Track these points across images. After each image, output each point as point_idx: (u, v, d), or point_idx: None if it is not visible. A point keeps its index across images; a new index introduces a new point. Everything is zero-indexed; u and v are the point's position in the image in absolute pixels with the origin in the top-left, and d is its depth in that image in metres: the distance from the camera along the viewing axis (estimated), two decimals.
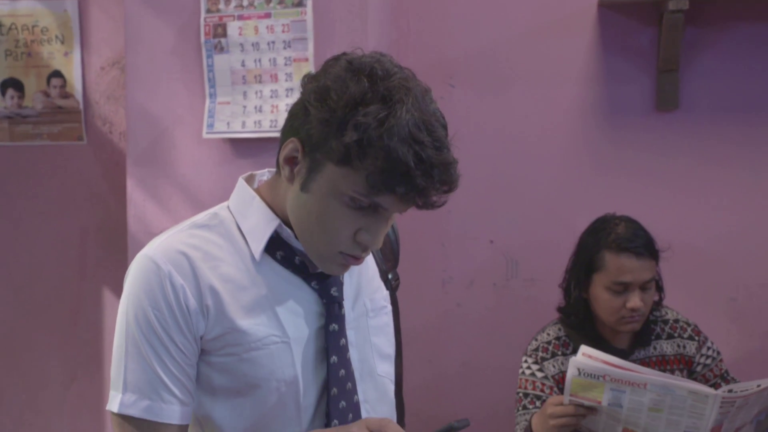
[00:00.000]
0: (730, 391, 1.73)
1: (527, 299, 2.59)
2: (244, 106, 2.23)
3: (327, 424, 1.28)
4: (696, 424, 1.75)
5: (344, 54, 1.20)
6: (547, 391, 2.07)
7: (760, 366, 2.47)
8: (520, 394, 2.11)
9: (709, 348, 2.14)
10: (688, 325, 2.15)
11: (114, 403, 1.21)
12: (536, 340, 2.15)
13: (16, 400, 2.93)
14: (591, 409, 1.81)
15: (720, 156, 2.46)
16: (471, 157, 2.60)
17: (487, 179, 2.59)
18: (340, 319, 1.29)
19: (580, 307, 2.09)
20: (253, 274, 1.24)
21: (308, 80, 1.20)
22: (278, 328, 1.24)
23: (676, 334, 2.13)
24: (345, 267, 1.24)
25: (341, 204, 1.16)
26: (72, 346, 2.88)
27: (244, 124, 2.23)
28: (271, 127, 2.21)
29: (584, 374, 1.79)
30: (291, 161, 1.19)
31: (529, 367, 2.12)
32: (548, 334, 2.15)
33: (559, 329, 2.14)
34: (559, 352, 2.11)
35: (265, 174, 1.34)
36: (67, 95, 2.82)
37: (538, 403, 2.06)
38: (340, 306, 1.29)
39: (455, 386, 2.63)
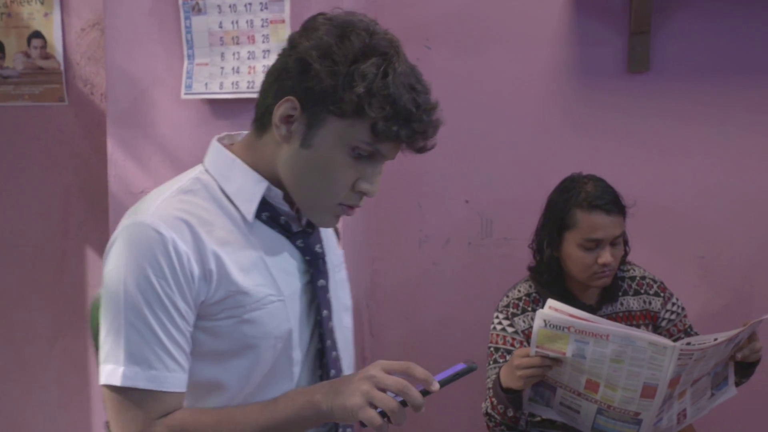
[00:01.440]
0: (688, 344, 1.79)
1: (502, 257, 2.65)
2: (222, 68, 2.26)
3: (323, 375, 1.33)
4: (655, 375, 1.81)
5: (321, 14, 1.24)
6: (517, 345, 2.14)
7: (726, 321, 2.53)
8: (491, 349, 2.18)
9: (674, 304, 2.21)
10: (654, 281, 2.22)
11: (114, 376, 1.18)
12: (507, 296, 2.22)
13: (2, 357, 2.98)
14: (556, 361, 1.88)
15: (690, 116, 2.51)
16: (447, 119, 2.64)
17: (462, 140, 2.64)
18: (326, 274, 1.35)
19: (552, 266, 2.15)
20: (246, 236, 1.26)
21: (299, 39, 1.22)
22: (274, 287, 1.26)
23: (642, 291, 2.20)
24: (338, 218, 1.29)
25: (344, 155, 1.21)
26: (57, 304, 2.92)
27: (221, 85, 2.26)
28: (248, 88, 2.24)
29: (550, 326, 1.85)
30: (287, 120, 1.21)
31: (500, 323, 2.19)
32: (519, 291, 2.21)
33: (530, 286, 2.21)
34: (529, 308, 2.17)
35: (239, 136, 1.37)
36: (47, 56, 2.83)
37: (508, 357, 2.13)
38: (324, 262, 1.34)
39: (431, 342, 2.70)
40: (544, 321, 1.85)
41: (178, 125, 2.37)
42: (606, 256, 2.06)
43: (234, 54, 2.25)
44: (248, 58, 2.24)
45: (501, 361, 2.14)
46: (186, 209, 1.22)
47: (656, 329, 2.20)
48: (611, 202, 2.08)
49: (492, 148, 2.64)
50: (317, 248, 1.33)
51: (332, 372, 1.34)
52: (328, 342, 1.34)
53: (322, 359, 1.34)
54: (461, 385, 2.69)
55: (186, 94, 2.30)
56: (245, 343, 1.24)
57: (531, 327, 2.15)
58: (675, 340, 2.17)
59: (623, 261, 2.21)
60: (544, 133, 2.60)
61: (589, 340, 1.83)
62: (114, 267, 1.19)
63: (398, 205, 2.71)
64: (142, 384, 1.18)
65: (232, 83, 2.25)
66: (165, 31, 2.36)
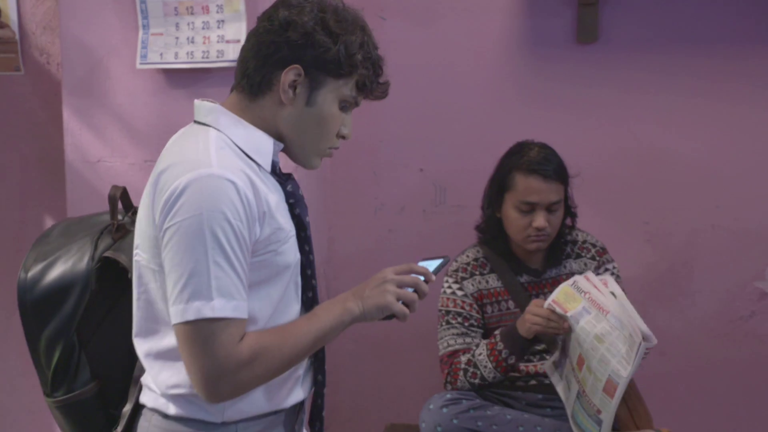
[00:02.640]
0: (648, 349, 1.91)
1: (455, 224, 2.72)
2: (177, 38, 2.28)
3: (314, 297, 1.51)
4: (620, 372, 1.89)
5: None
6: (467, 308, 2.22)
7: (670, 283, 2.65)
8: (443, 312, 2.26)
9: (607, 269, 2.29)
10: (594, 245, 2.31)
11: (205, 309, 1.29)
12: (456, 261, 2.30)
13: None
14: (562, 320, 2.00)
15: (636, 85, 2.58)
16: (401, 89, 2.68)
17: (416, 109, 2.69)
18: (307, 212, 1.53)
19: (494, 225, 2.25)
20: (267, 183, 1.43)
21: (292, 16, 1.40)
22: (289, 223, 1.45)
23: (582, 254, 2.29)
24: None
25: (336, 108, 1.45)
26: (16, 274, 2.92)
27: (176, 55, 2.29)
28: (203, 58, 2.27)
29: (575, 287, 2.00)
30: (292, 84, 1.41)
31: (450, 287, 2.27)
32: (467, 256, 2.30)
33: (478, 251, 2.29)
34: (477, 272, 2.26)
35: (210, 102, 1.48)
36: (2, 25, 2.82)
37: (459, 319, 2.22)
38: (305, 204, 1.54)
39: None
40: (574, 281, 2.02)
41: (134, 95, 2.39)
42: (540, 220, 2.15)
43: (189, 24, 2.27)
44: (203, 29, 2.27)
45: (453, 322, 2.23)
46: (236, 161, 1.38)
47: None
48: (551, 169, 2.16)
49: (445, 118, 2.70)
50: (299, 192, 1.51)
51: (311, 294, 1.52)
52: (309, 271, 1.51)
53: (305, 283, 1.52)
54: (415, 345, 2.76)
55: (141, 63, 2.32)
56: (275, 272, 1.42)
57: (479, 290, 2.25)
58: None
59: (571, 228, 2.29)
60: (496, 103, 2.66)
61: (591, 311, 1.95)
62: (192, 215, 1.30)
63: (354, 174, 2.76)
64: (229, 313, 1.31)
65: (188, 53, 2.28)
66: (120, 1, 2.37)
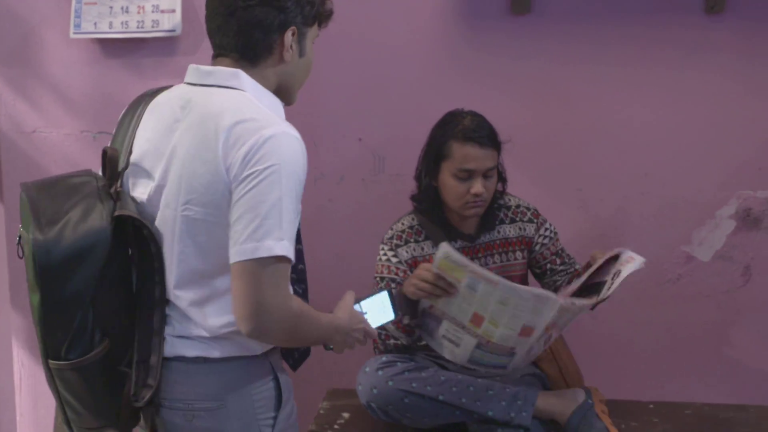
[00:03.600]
0: (572, 303, 1.97)
1: (394, 193, 2.75)
2: (111, 7, 2.27)
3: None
4: (534, 320, 1.98)
5: None
6: (401, 274, 2.27)
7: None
8: (377, 278, 2.31)
9: (546, 229, 2.37)
10: (528, 209, 2.38)
11: (277, 247, 1.43)
12: (392, 229, 2.35)
13: None
14: (450, 285, 2.02)
15: (569, 56, 2.64)
16: (339, 60, 2.72)
17: (355, 80, 2.72)
18: None
19: (430, 194, 2.28)
20: None
21: None
22: None
23: (517, 219, 2.35)
24: None
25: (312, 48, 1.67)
26: None
27: (111, 24, 2.27)
28: (138, 27, 2.26)
29: (450, 259, 2.00)
30: (290, 43, 1.58)
31: (385, 254, 2.31)
32: (402, 224, 2.34)
33: (413, 219, 2.34)
34: (412, 240, 2.31)
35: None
36: None
37: (393, 285, 2.26)
38: None
39: (329, 276, 2.78)
40: (446, 255, 2.00)
41: (68, 64, 2.37)
42: (477, 186, 2.20)
43: None
44: None
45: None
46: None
47: (531, 253, 2.36)
48: (485, 136, 2.21)
49: (383, 88, 2.72)
50: None
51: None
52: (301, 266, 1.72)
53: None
54: None
55: (75, 33, 2.30)
56: None
57: (413, 257, 2.29)
58: (548, 263, 2.35)
59: (501, 193, 2.35)
60: (432, 73, 2.70)
61: (480, 281, 1.99)
62: (273, 164, 1.45)
63: None
64: (291, 255, 1.47)
65: (122, 23, 2.27)
66: None
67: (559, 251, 2.38)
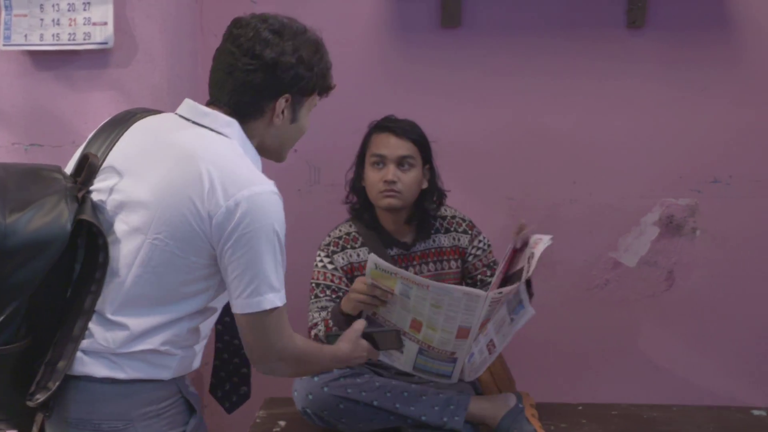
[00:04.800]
0: (499, 293, 2.02)
1: (329, 203, 2.78)
2: (42, 19, 2.26)
3: None
4: (469, 319, 2.03)
5: (259, 20, 1.65)
6: (337, 281, 2.31)
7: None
8: (313, 285, 2.34)
9: (480, 241, 2.43)
10: (464, 220, 2.43)
11: (277, 299, 1.58)
12: (329, 236, 2.39)
13: None
14: (385, 294, 2.06)
15: (497, 68, 2.72)
16: None
17: None
18: None
19: (358, 193, 2.38)
20: None
21: (272, 52, 1.61)
22: None
23: (452, 229, 2.41)
24: None
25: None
26: None
27: (42, 36, 2.27)
28: (69, 40, 2.25)
29: (379, 268, 2.05)
30: (282, 109, 1.66)
31: (321, 260, 2.35)
32: (340, 230, 2.39)
33: (350, 226, 2.39)
34: (348, 246, 2.35)
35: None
36: None
37: (328, 292, 2.30)
38: None
39: None
40: (375, 264, 2.04)
41: None
42: (389, 173, 2.28)
43: (53, 6, 2.26)
44: (68, 10, 2.25)
45: (322, 295, 2.31)
46: None
47: (464, 263, 2.42)
48: (401, 127, 2.32)
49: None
50: None
51: None
52: None
53: None
54: (291, 320, 2.82)
55: (5, 45, 2.28)
56: None
57: (350, 263, 2.34)
58: (479, 274, 2.41)
59: (437, 204, 2.40)
60: (365, 84, 2.75)
61: (412, 287, 2.03)
62: (261, 225, 1.55)
63: None
64: (285, 300, 1.62)
65: (53, 35, 2.26)
66: None
67: (491, 263, 2.44)
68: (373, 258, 2.06)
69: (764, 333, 2.80)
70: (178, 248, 1.55)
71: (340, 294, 2.31)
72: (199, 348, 1.71)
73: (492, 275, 2.44)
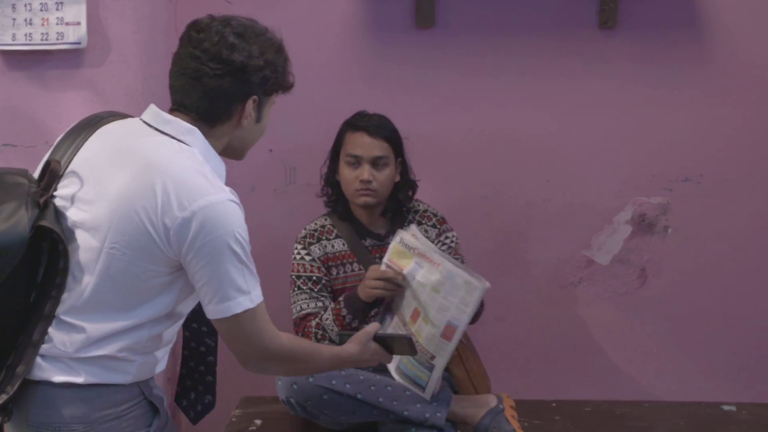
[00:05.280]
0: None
1: (305, 203, 2.79)
2: (14, 19, 2.25)
3: None
4: (459, 317, 2.04)
5: (222, 23, 1.65)
6: (316, 271, 2.38)
7: (507, 254, 2.83)
8: (293, 277, 2.41)
9: (447, 237, 2.46)
10: (435, 215, 2.48)
11: (246, 301, 1.59)
12: (305, 229, 2.46)
13: None
14: (398, 276, 2.14)
15: (472, 68, 2.74)
16: None
17: None
18: None
19: (332, 187, 2.43)
20: None
21: (238, 55, 1.61)
22: None
23: (423, 222, 2.46)
24: None
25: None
26: None
27: (14, 36, 2.26)
28: (42, 40, 2.25)
29: (402, 243, 2.15)
30: (250, 111, 1.67)
31: (298, 253, 2.42)
32: (315, 223, 2.46)
33: (325, 219, 2.46)
34: (324, 237, 2.43)
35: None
36: None
37: (309, 283, 2.36)
38: None
39: None
40: (400, 239, 2.15)
41: None
42: (364, 173, 2.33)
43: (26, 5, 2.25)
44: (41, 10, 2.24)
45: (304, 287, 2.37)
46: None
47: None
48: (375, 126, 2.36)
49: (292, 99, 2.68)
50: None
51: None
52: None
53: None
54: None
55: None
56: None
57: (325, 253, 2.40)
58: None
59: (412, 197, 2.45)
60: (341, 84, 2.76)
61: (423, 265, 2.09)
62: (227, 231, 1.56)
63: None
64: (260, 299, 1.62)
65: (26, 35, 2.25)
66: None
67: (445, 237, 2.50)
68: (401, 233, 2.18)
69: (735, 330, 2.84)
70: (134, 257, 1.55)
71: (321, 285, 2.38)
72: (162, 353, 1.70)
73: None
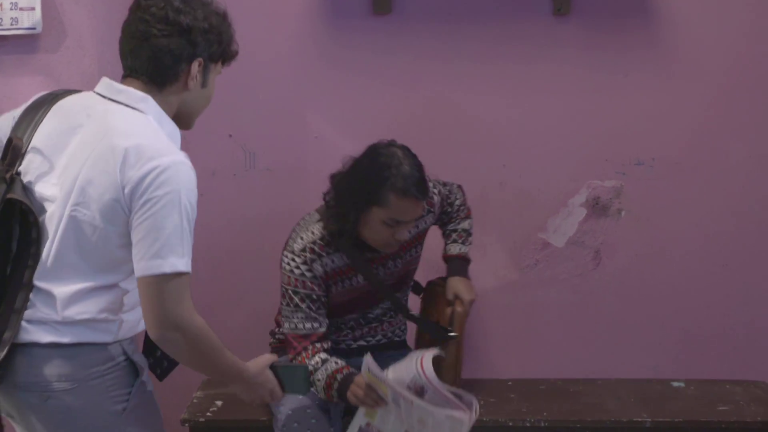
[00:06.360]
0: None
1: (265, 188, 2.83)
2: None
3: None
4: None
5: None
6: (317, 289, 2.27)
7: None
8: (290, 291, 2.28)
9: (452, 208, 2.54)
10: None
11: (180, 264, 1.61)
12: (302, 239, 2.30)
13: None
14: (380, 402, 2.06)
15: (428, 53, 2.77)
16: None
17: (223, 77, 2.69)
18: None
19: (353, 231, 2.25)
20: None
21: (183, 17, 1.69)
22: None
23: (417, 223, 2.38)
24: None
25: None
26: None
27: None
28: None
29: (372, 372, 2.04)
30: (195, 74, 1.74)
31: (297, 267, 2.28)
32: (313, 233, 2.30)
33: (323, 228, 2.30)
34: (324, 252, 2.29)
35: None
36: None
37: (308, 302, 2.26)
38: None
39: (202, 268, 2.82)
40: (368, 367, 2.04)
41: None
42: (404, 233, 2.24)
43: None
44: None
45: (302, 305, 2.27)
46: None
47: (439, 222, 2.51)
48: (422, 190, 2.21)
49: (251, 85, 2.78)
50: None
51: None
52: None
53: None
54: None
55: None
56: None
57: (326, 272, 2.28)
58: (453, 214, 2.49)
59: None
60: (299, 70, 2.78)
61: (400, 399, 2.01)
62: (173, 190, 1.61)
63: None
64: (189, 269, 1.64)
65: None
66: None
67: (456, 208, 2.55)
68: (368, 360, 2.05)
69: (685, 309, 2.92)
70: (96, 219, 1.64)
71: (319, 304, 2.28)
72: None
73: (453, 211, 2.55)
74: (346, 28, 2.76)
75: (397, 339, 2.51)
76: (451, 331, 2.41)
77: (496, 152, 2.84)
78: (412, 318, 2.48)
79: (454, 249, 2.56)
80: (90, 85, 2.36)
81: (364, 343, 2.45)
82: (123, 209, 1.63)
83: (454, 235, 2.57)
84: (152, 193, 1.61)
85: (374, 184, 2.18)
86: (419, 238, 2.46)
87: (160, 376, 1.92)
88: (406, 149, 2.27)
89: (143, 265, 1.62)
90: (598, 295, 2.92)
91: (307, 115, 2.80)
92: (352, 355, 2.37)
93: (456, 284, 2.50)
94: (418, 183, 2.20)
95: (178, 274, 1.63)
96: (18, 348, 1.67)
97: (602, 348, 2.92)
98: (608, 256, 2.90)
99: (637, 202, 2.87)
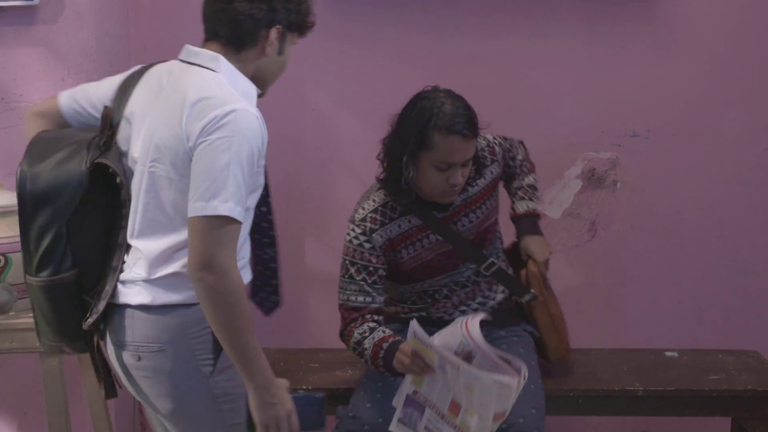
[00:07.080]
0: (524, 378, 1.92)
1: None
2: None
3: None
4: (502, 406, 1.93)
5: None
6: (374, 260, 2.24)
7: None
8: (347, 262, 2.25)
9: (511, 153, 2.45)
10: (485, 150, 2.37)
11: (221, 208, 1.62)
12: (363, 209, 2.26)
13: None
14: (427, 369, 1.99)
15: (423, 26, 2.79)
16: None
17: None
18: None
19: (411, 186, 2.18)
20: None
21: None
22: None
23: (484, 168, 2.34)
24: None
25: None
26: None
27: None
28: None
29: (418, 337, 1.97)
30: (274, 40, 1.79)
31: (356, 237, 2.24)
32: (373, 201, 2.26)
33: (385, 195, 2.26)
34: (387, 220, 2.25)
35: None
36: None
37: (364, 274, 2.23)
38: None
39: None
40: (414, 332, 1.97)
41: None
42: (457, 177, 2.16)
43: None
44: None
45: (357, 276, 2.24)
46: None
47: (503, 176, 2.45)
48: (467, 126, 2.14)
49: None
50: None
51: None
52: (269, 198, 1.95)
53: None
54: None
55: None
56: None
57: (389, 239, 2.24)
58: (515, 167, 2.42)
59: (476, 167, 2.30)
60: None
61: (446, 363, 1.94)
62: (227, 136, 1.64)
63: None
64: (238, 216, 1.65)
65: None
66: None
67: (515, 153, 2.47)
68: (413, 326, 1.97)
69: (679, 279, 2.95)
70: (170, 172, 1.69)
71: (376, 278, 2.24)
72: None
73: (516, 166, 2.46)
74: (344, 0, 2.76)
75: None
76: (529, 290, 2.35)
77: (492, 125, 2.82)
78: (491, 272, 2.33)
79: (522, 207, 2.45)
80: (88, 58, 2.41)
81: (465, 308, 2.35)
82: (191, 159, 1.67)
83: (520, 192, 2.47)
84: (208, 136, 1.65)
85: (418, 127, 2.15)
86: (489, 190, 2.35)
87: (267, 312, 1.99)
88: (449, 91, 2.23)
89: (189, 207, 1.65)
90: (594, 266, 2.95)
91: (304, 86, 2.81)
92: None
93: (528, 244, 2.42)
94: (461, 119, 2.13)
95: (222, 219, 1.63)
96: (115, 308, 1.77)
97: (597, 318, 2.96)
98: (604, 227, 2.93)
99: (633, 173, 2.89)
